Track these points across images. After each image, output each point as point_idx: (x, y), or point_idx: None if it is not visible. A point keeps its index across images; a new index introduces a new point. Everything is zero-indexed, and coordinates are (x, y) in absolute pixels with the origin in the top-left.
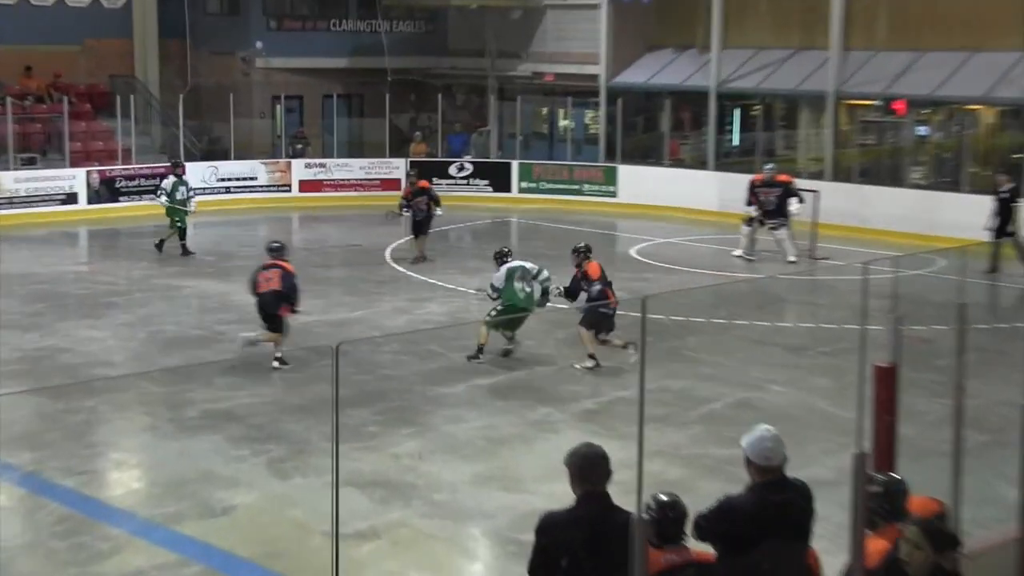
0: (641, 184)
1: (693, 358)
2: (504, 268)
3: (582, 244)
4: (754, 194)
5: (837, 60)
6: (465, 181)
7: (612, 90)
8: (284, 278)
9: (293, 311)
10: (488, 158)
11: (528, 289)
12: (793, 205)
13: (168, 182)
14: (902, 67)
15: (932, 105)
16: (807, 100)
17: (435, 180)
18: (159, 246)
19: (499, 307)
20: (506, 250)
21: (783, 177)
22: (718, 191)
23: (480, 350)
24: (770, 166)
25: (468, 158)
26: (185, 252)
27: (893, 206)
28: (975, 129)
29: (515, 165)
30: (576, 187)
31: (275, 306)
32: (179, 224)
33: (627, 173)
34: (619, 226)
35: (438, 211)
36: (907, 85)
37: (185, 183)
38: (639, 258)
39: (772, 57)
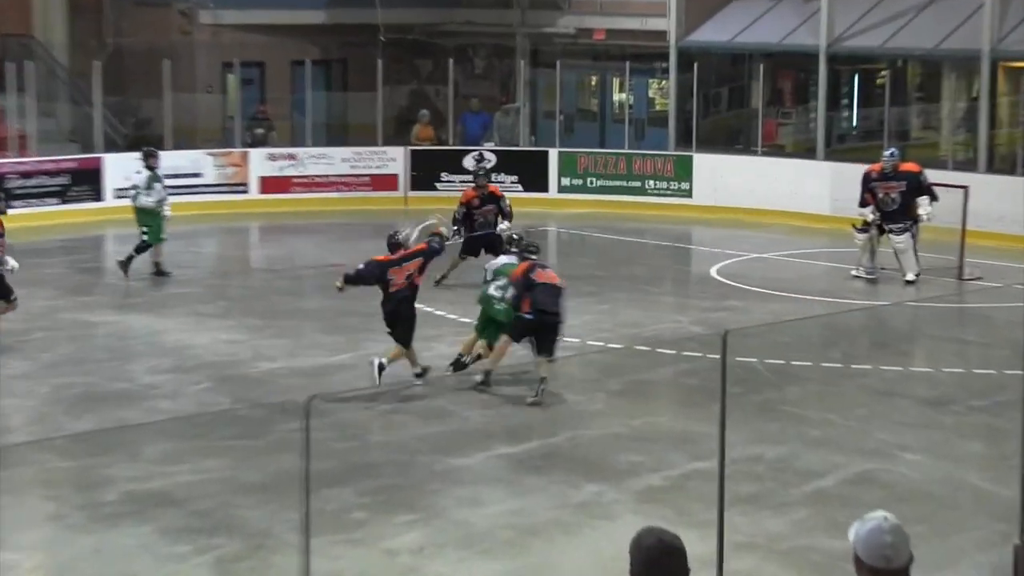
0: (725, 179)
1: (796, 416)
2: (499, 262)
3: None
4: (870, 190)
5: (995, 6)
6: (486, 177)
7: (685, 52)
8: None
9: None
10: (517, 145)
11: (504, 302)
12: (923, 207)
13: (141, 177)
14: None
15: None
16: (953, 62)
17: (444, 176)
18: (155, 270)
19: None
20: (523, 241)
21: (909, 166)
22: (831, 188)
23: (461, 364)
24: (891, 152)
25: (490, 146)
26: (159, 272)
27: None
28: None
29: (553, 155)
30: (637, 184)
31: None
32: (146, 235)
33: (706, 165)
34: (695, 236)
35: (503, 226)
36: None
37: (160, 179)
38: (722, 279)
39: (905, 4)
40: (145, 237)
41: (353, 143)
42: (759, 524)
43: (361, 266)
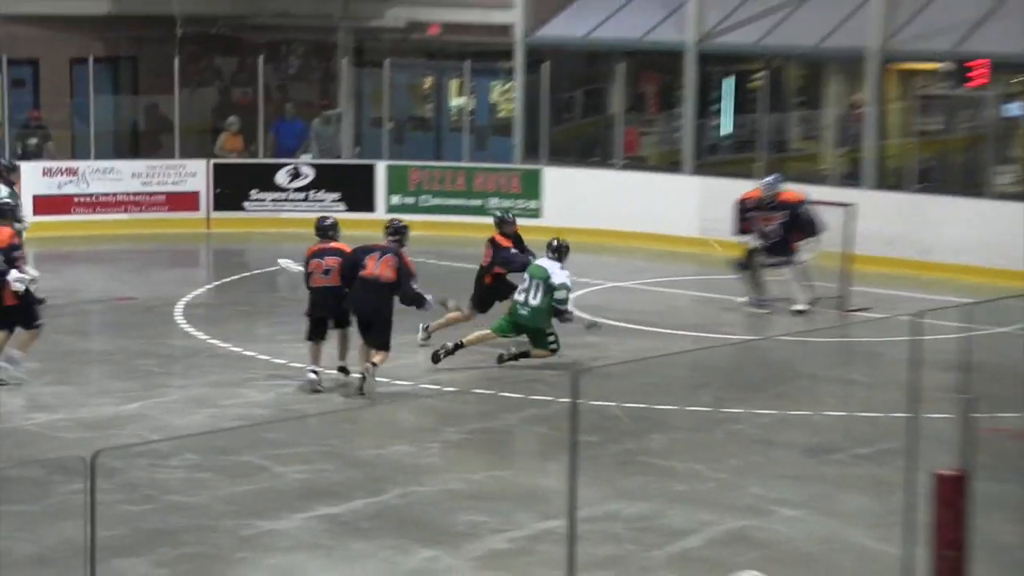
0: (580, 197)
1: (660, 467)
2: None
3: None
4: (746, 220)
5: (883, 0)
6: (302, 194)
7: (534, 49)
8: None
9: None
10: (339, 158)
11: (532, 302)
12: (802, 253)
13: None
14: (982, 10)
15: None
16: (837, 63)
17: (254, 194)
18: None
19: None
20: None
21: (790, 195)
22: (699, 206)
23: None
24: (772, 179)
25: (307, 158)
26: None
27: (968, 227)
28: None
29: (381, 169)
30: (478, 202)
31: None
32: None
33: (558, 180)
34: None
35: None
36: (990, 39)
37: (16, 195)
38: (576, 312)
39: None
40: None
41: (146, 155)
42: None
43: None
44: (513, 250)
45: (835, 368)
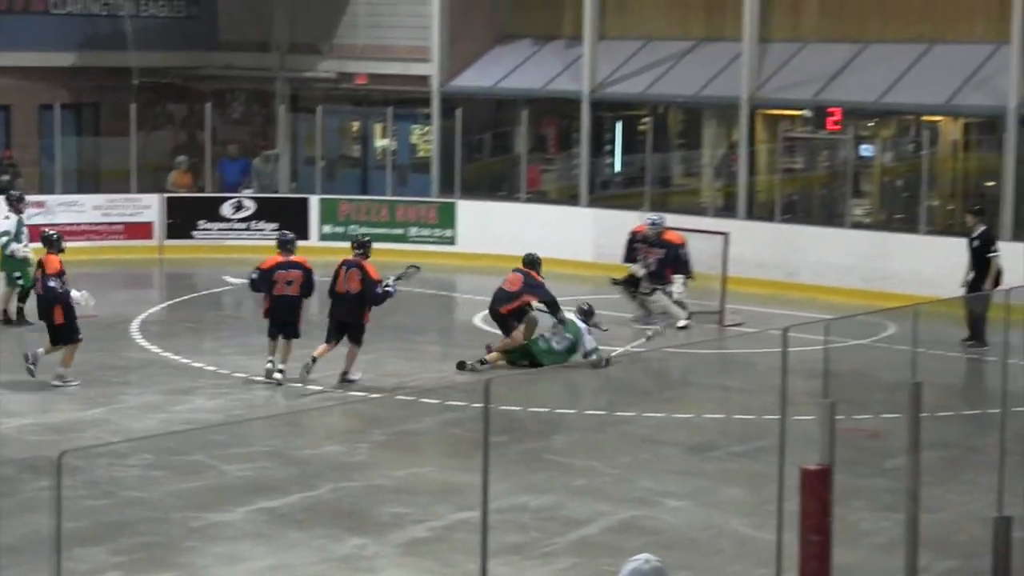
0: (489, 227)
1: (561, 464)
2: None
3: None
4: (634, 250)
5: (753, 55)
6: (244, 224)
7: (449, 97)
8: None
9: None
10: (277, 192)
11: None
12: (676, 284)
13: (11, 223)
14: (839, 65)
15: (878, 116)
16: (713, 110)
17: (202, 224)
18: (16, 318)
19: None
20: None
21: (672, 236)
22: (594, 234)
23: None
24: (655, 218)
25: (249, 192)
26: (21, 320)
27: (828, 252)
28: (935, 148)
29: (314, 202)
30: (400, 231)
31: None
32: (20, 282)
33: (470, 212)
34: (460, 284)
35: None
36: (845, 89)
37: (23, 223)
38: (486, 328)
39: (665, 51)
40: (22, 283)
41: (106, 190)
42: (524, 574)
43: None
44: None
45: (714, 376)
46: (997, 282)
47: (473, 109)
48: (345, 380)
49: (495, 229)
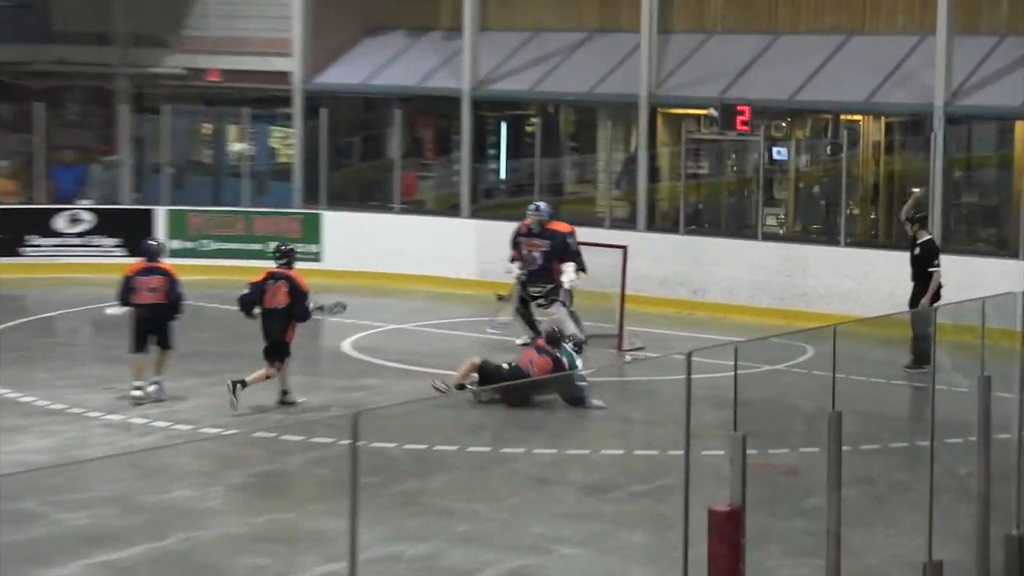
0: (359, 240)
1: (440, 508)
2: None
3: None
4: (516, 246)
5: (652, 48)
6: (81, 240)
7: (313, 96)
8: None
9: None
10: (119, 203)
11: None
12: (567, 273)
13: None
14: (747, 59)
15: (792, 115)
16: (609, 109)
17: (31, 240)
18: None
19: None
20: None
21: (558, 226)
22: (477, 249)
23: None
24: (535, 207)
25: (86, 203)
26: None
27: (738, 267)
28: (855, 150)
29: (161, 214)
30: (258, 247)
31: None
32: None
33: (337, 224)
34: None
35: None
36: (755, 85)
37: None
38: (356, 355)
39: (555, 44)
40: None
41: None
42: None
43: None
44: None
45: (612, 406)
46: (936, 297)
47: (340, 109)
48: (286, 402)
49: (366, 244)
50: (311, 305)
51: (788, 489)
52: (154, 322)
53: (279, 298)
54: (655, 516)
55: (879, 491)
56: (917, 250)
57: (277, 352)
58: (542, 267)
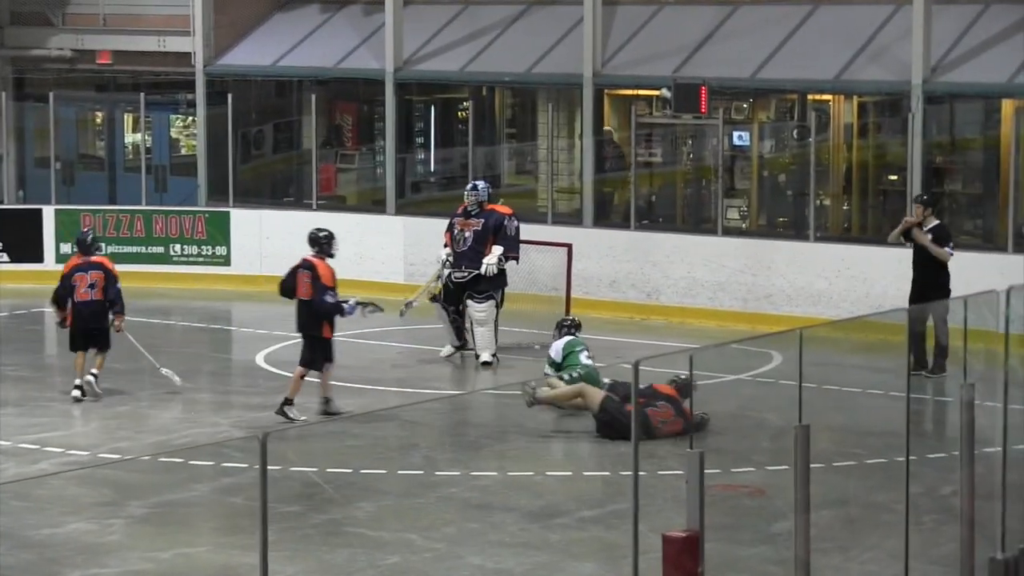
0: (272, 241)
1: (367, 539)
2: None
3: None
4: (450, 228)
5: (596, 22)
6: None
7: (217, 79)
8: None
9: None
10: (1, 202)
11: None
12: (489, 256)
13: None
14: (703, 33)
15: (754, 95)
16: (550, 91)
17: None
18: None
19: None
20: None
21: (499, 207)
22: (404, 249)
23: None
24: (477, 185)
25: None
26: None
27: (697, 266)
28: (825, 134)
29: (49, 214)
30: (160, 250)
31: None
32: None
33: (248, 223)
34: (236, 315)
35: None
36: (712, 62)
37: None
38: (271, 369)
39: (488, 19)
40: None
41: None
42: None
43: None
44: None
45: (558, 422)
46: (947, 288)
47: (248, 94)
48: (329, 412)
49: (280, 245)
50: (350, 301)
51: (753, 512)
52: (93, 320)
53: (303, 289)
54: (606, 544)
55: (853, 513)
56: (928, 236)
57: (312, 352)
58: (471, 248)
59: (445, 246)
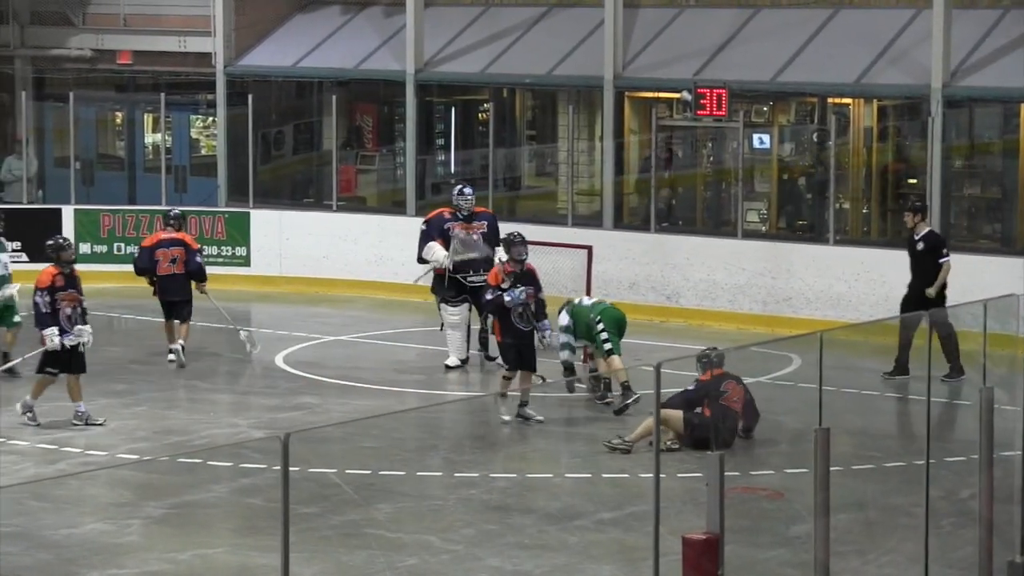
0: (292, 242)
1: (386, 540)
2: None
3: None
4: (444, 233)
5: (618, 25)
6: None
7: (237, 80)
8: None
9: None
10: (20, 203)
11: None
12: (499, 254)
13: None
14: (724, 36)
15: (774, 98)
16: (570, 93)
17: None
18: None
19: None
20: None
21: (480, 208)
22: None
23: (628, 388)
24: (469, 188)
25: None
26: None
27: (716, 269)
28: (845, 137)
29: (68, 214)
30: None
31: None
32: (17, 321)
33: (268, 224)
34: (255, 315)
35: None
36: (733, 66)
37: (5, 248)
38: (290, 370)
39: (509, 20)
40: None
41: None
42: None
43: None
44: None
45: (577, 424)
46: (942, 293)
47: (269, 94)
48: (524, 416)
49: (299, 246)
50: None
51: (771, 515)
52: (177, 292)
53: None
54: (625, 546)
55: (871, 516)
56: (920, 244)
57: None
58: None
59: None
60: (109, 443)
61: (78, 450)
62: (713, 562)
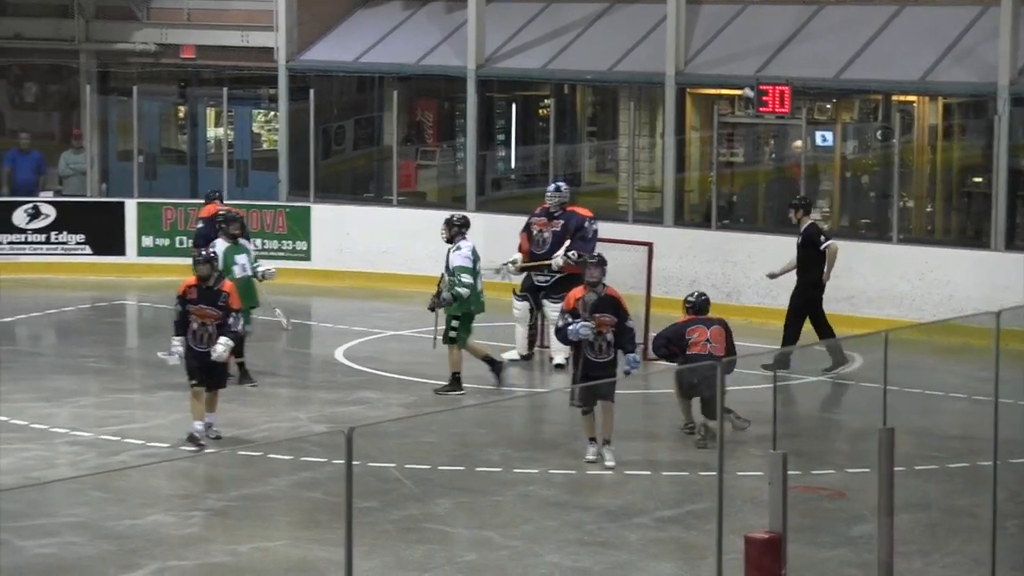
0: (352, 237)
1: (445, 535)
2: (468, 246)
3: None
4: (527, 230)
5: (680, 21)
6: (43, 236)
7: (299, 75)
8: None
9: None
10: (83, 196)
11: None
12: (559, 256)
13: (220, 247)
14: (787, 32)
15: (837, 95)
16: (631, 89)
17: None
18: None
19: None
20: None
21: (579, 209)
22: (484, 245)
23: (457, 380)
24: (560, 186)
25: (47, 195)
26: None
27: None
28: (909, 135)
29: (131, 207)
30: None
31: None
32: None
33: (328, 219)
34: (316, 310)
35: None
36: (796, 62)
37: (247, 251)
38: (350, 364)
39: (571, 16)
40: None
41: None
42: None
43: None
44: None
45: (635, 421)
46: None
47: (330, 89)
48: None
49: (360, 241)
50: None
51: (833, 515)
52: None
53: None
54: (685, 545)
55: (935, 517)
56: (799, 239)
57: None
58: (550, 249)
59: (520, 248)
60: (171, 435)
61: (140, 441)
62: (776, 561)
